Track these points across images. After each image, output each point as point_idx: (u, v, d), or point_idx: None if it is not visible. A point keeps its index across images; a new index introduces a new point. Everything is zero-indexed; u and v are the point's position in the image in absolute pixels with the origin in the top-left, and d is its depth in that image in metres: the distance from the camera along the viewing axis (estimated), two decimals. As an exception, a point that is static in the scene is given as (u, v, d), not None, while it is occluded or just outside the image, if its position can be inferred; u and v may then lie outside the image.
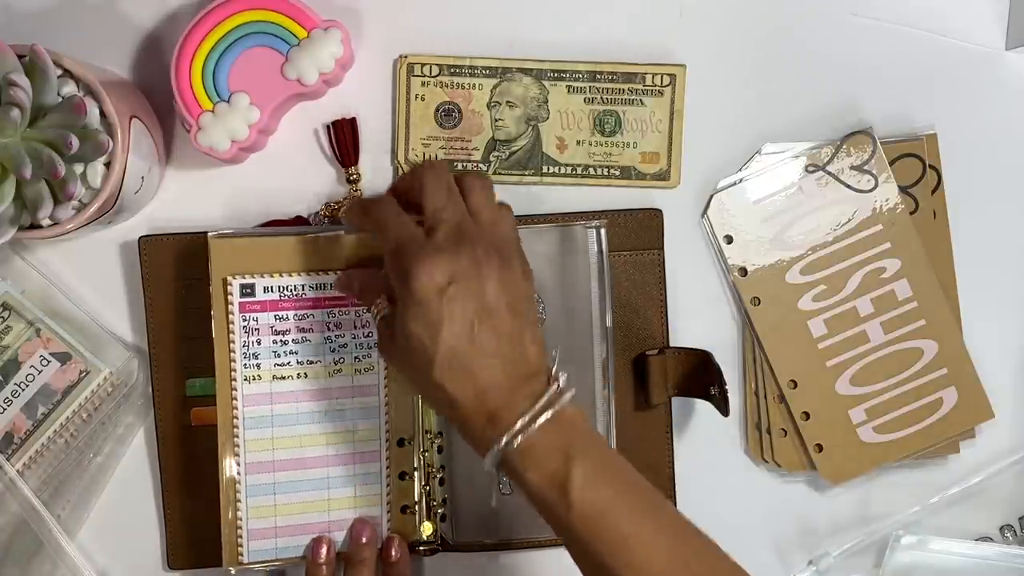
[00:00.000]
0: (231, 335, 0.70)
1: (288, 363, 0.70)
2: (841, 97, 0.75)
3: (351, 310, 0.70)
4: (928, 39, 0.75)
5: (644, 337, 0.74)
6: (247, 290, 0.69)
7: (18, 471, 0.71)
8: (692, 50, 0.74)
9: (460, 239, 0.59)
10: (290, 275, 0.70)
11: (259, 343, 0.70)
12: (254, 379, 0.70)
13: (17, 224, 0.64)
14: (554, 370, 0.59)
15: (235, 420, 0.70)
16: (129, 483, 0.74)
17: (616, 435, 0.73)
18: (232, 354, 0.70)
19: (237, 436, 0.69)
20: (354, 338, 0.71)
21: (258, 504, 0.70)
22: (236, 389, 0.70)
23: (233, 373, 0.70)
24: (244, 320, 0.69)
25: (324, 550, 0.70)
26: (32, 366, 0.72)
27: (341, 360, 0.71)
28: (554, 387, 0.58)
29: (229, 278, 0.69)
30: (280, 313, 0.70)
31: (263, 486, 0.70)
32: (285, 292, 0.70)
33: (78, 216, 0.64)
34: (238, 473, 0.70)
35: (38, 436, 0.72)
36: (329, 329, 0.70)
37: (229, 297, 0.69)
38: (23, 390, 0.72)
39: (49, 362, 0.72)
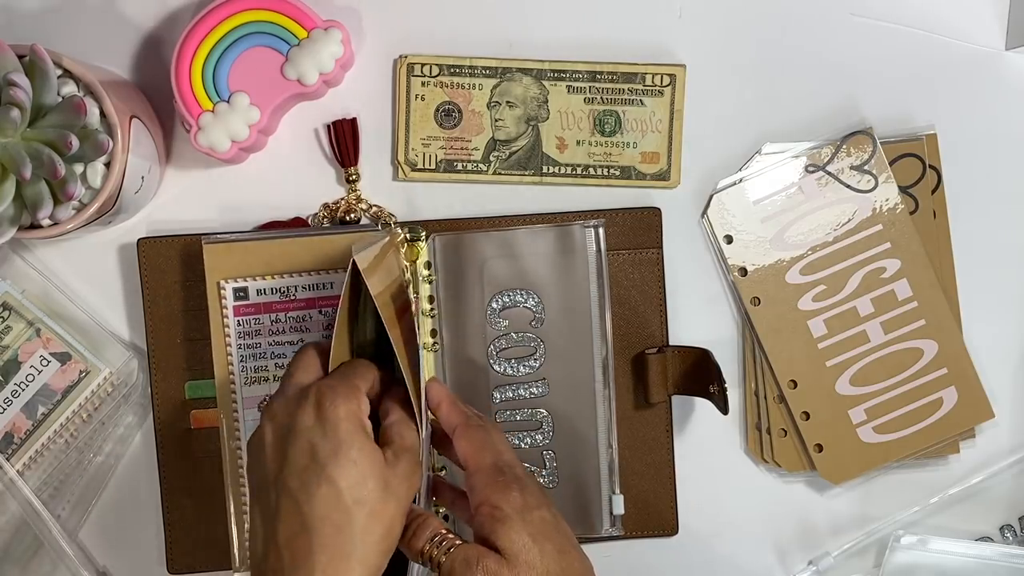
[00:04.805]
0: (227, 339, 0.70)
1: None
2: (841, 97, 0.75)
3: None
4: (928, 39, 0.75)
5: (644, 336, 0.74)
6: (240, 294, 0.69)
7: (18, 471, 0.71)
8: (692, 50, 0.74)
9: None
10: (283, 276, 0.69)
11: (258, 345, 0.70)
12: (254, 382, 0.70)
13: (17, 224, 0.64)
14: None
15: (236, 424, 0.69)
16: (129, 483, 0.74)
17: (616, 434, 0.73)
18: (230, 357, 0.70)
19: (239, 441, 0.69)
20: None
21: None
22: (236, 392, 0.70)
23: (232, 376, 0.70)
24: (239, 324, 0.69)
25: None
26: (32, 366, 0.72)
27: None
28: None
29: (222, 282, 0.69)
30: (275, 315, 0.70)
31: None
32: (279, 294, 0.69)
33: (78, 216, 0.64)
34: (243, 478, 0.69)
35: (38, 436, 0.72)
36: (325, 328, 0.70)
37: (223, 301, 0.69)
38: (23, 390, 0.72)
39: (49, 362, 0.72)
